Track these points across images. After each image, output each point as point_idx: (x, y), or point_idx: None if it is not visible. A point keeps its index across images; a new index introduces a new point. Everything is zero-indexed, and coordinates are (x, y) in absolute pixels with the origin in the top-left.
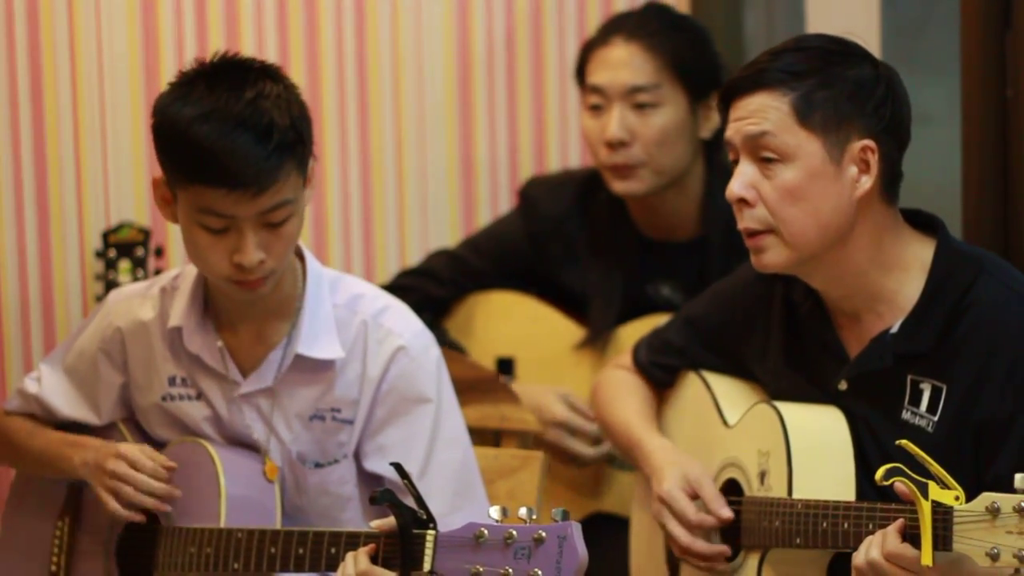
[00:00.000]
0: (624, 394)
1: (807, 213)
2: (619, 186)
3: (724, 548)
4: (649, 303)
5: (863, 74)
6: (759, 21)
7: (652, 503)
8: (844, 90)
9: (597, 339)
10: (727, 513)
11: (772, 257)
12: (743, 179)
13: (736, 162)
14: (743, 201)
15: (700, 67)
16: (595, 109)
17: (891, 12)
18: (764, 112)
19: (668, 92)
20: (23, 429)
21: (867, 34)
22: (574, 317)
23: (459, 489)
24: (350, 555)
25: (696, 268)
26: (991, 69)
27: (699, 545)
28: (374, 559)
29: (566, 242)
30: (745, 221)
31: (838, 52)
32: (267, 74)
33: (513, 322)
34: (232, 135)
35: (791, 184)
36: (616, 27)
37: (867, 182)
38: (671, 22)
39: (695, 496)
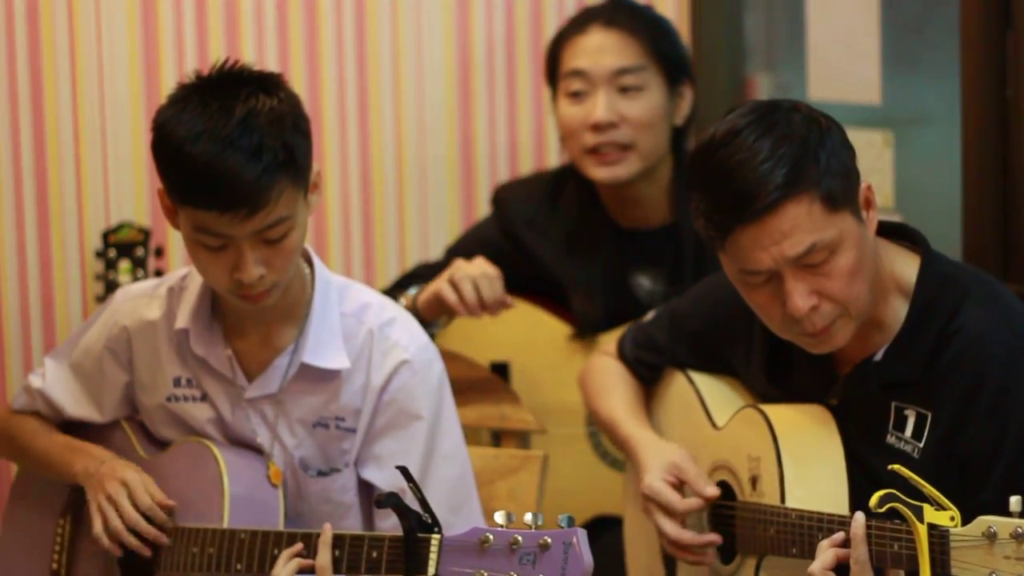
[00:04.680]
0: (612, 385)
1: (866, 279)
2: (601, 172)
3: (714, 537)
4: (632, 298)
5: (819, 124)
6: (759, 21)
7: (639, 500)
8: (830, 152)
9: (585, 333)
10: (712, 491)
11: (842, 336)
12: (802, 291)
13: (769, 280)
14: (812, 309)
15: (674, 54)
16: (576, 96)
17: (891, 12)
18: (801, 225)
19: (651, 75)
20: (27, 429)
21: (867, 34)
22: (566, 317)
23: (454, 506)
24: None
25: (672, 254)
26: (991, 69)
27: (688, 536)
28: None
29: (540, 237)
30: (816, 323)
31: (791, 119)
32: (262, 87)
33: (506, 326)
34: (221, 156)
35: (849, 267)
36: (590, 17)
37: (875, 217)
38: (642, 11)
39: (680, 483)
